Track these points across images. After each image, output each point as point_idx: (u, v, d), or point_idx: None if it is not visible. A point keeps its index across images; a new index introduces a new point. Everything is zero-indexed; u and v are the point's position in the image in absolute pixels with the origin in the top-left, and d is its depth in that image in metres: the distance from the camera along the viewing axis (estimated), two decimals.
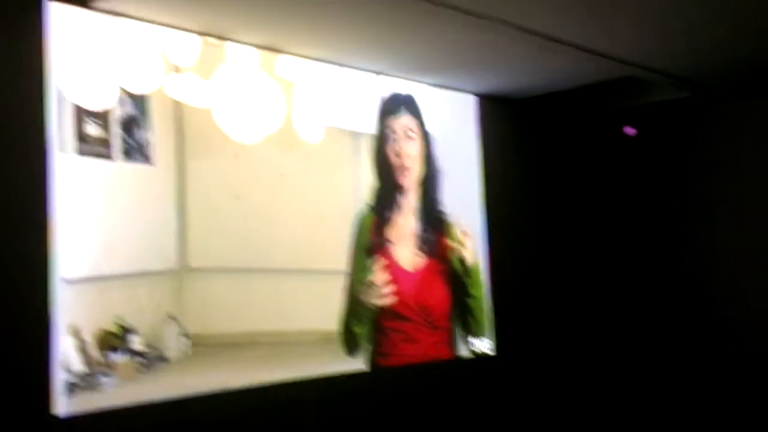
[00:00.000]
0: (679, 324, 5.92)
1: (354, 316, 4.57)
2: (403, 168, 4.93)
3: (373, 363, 4.66)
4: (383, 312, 4.72)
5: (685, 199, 6.00)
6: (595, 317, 6.16)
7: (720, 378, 5.68)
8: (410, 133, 4.99)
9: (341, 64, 4.68)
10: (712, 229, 5.85)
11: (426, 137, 5.09)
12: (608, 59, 4.79)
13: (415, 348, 4.88)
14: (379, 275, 4.70)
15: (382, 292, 4.70)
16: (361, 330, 4.60)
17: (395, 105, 4.98)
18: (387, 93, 4.95)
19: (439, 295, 5.04)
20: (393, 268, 4.81)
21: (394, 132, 4.92)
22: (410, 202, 4.98)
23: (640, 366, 6.04)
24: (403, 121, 4.98)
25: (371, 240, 4.74)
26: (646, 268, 6.15)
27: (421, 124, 5.08)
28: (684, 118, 6.03)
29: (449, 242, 5.11)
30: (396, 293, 4.78)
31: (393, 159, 4.91)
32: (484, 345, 5.26)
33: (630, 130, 6.19)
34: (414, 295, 4.86)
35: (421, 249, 4.96)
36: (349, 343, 4.56)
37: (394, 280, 4.79)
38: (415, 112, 5.06)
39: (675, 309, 5.97)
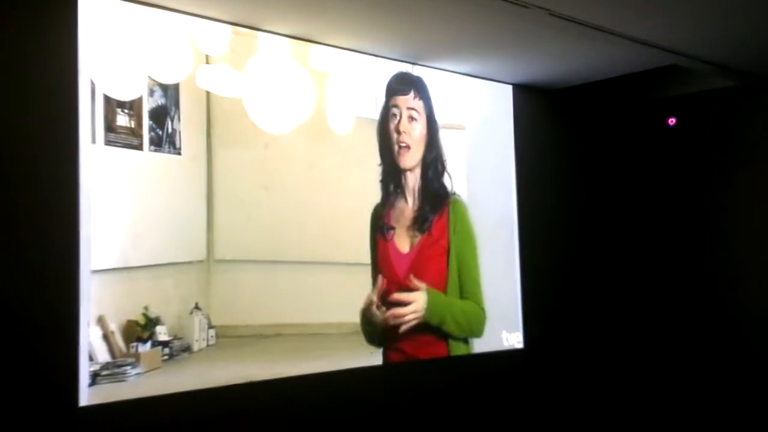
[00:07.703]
0: (712, 322, 5.81)
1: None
2: (404, 147, 4.81)
3: (385, 355, 4.60)
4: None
5: (725, 189, 5.84)
6: (627, 311, 6.08)
7: (751, 380, 5.58)
8: (414, 114, 4.88)
9: (375, 54, 4.60)
10: (756, 223, 5.69)
11: (431, 121, 4.96)
12: (652, 47, 4.64)
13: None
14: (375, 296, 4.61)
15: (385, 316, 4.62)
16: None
17: (403, 84, 4.87)
18: (396, 72, 4.84)
19: (435, 273, 4.89)
20: (392, 252, 4.73)
21: (398, 110, 4.83)
22: (411, 184, 4.85)
23: (673, 360, 5.97)
24: (409, 101, 4.88)
25: (377, 226, 4.68)
26: (681, 262, 6.02)
27: (428, 107, 4.96)
28: (727, 108, 5.86)
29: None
30: (392, 276, 4.68)
31: (395, 137, 4.79)
32: (513, 338, 5.23)
33: (671, 120, 6.04)
34: (406, 275, 4.72)
35: (416, 228, 4.85)
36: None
37: (391, 264, 4.70)
38: (423, 93, 4.93)
39: (708, 306, 5.85)
